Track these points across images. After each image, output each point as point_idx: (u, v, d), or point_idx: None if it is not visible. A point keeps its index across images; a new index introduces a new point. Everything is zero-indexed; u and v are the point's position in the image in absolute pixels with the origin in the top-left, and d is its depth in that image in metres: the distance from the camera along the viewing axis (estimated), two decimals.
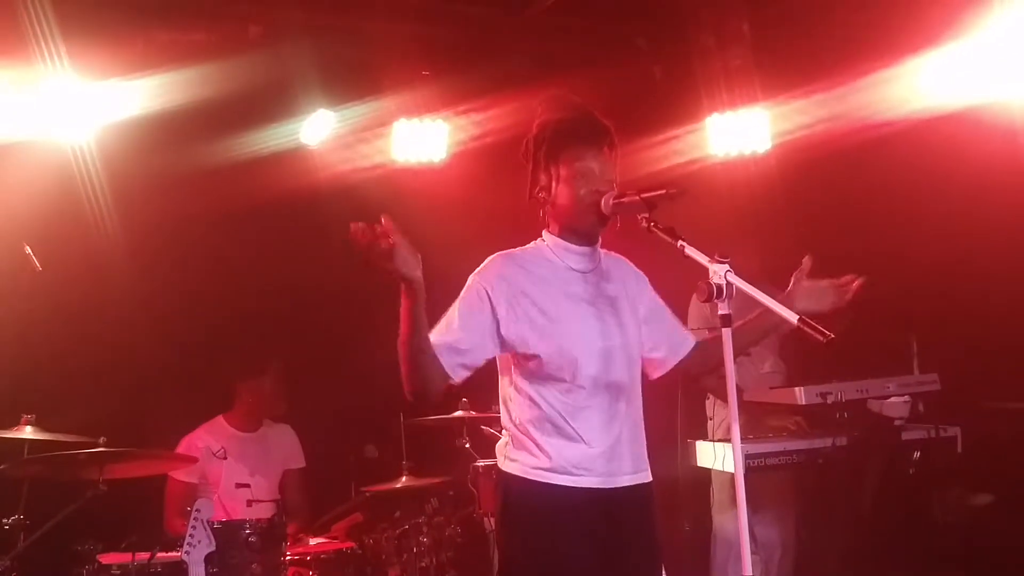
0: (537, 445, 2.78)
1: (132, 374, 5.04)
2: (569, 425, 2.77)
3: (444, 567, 4.55)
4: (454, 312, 2.79)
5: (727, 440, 4.58)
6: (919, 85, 4.67)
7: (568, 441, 2.77)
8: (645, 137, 5.08)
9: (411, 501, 4.69)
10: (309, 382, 5.45)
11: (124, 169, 4.87)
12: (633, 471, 2.85)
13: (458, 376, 2.78)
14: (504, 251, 2.92)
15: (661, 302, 3.07)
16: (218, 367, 5.16)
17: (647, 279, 3.08)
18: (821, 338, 2.37)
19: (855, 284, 2.91)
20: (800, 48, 5.04)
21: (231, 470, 4.88)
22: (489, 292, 2.80)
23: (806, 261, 2.95)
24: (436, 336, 2.74)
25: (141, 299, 5.01)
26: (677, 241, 2.60)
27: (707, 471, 4.81)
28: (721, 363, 2.46)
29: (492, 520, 4.54)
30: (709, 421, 4.95)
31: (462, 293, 2.83)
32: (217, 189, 4.97)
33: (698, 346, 3.05)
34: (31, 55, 4.42)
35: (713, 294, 2.49)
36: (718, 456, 4.49)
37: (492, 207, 5.04)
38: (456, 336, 2.76)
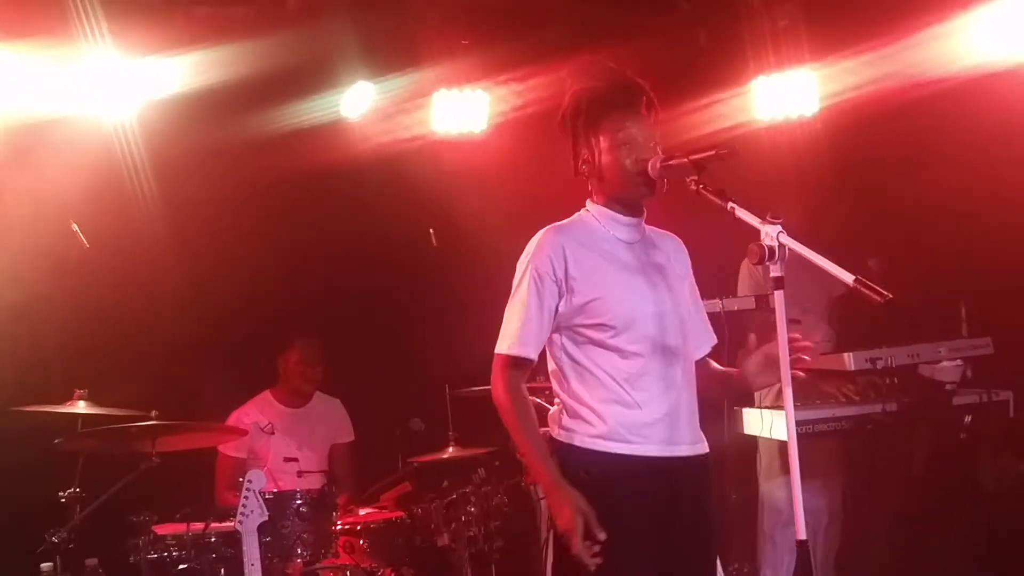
0: (594, 413, 2.75)
1: (179, 349, 5.08)
2: (626, 391, 2.74)
3: (492, 536, 4.56)
4: (532, 310, 2.76)
5: (775, 407, 4.55)
6: (972, 41, 4.56)
7: (625, 408, 2.74)
8: (688, 102, 5.01)
9: (458, 471, 4.70)
10: (354, 355, 5.47)
11: (166, 145, 4.89)
12: (691, 441, 2.81)
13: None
14: (549, 226, 2.87)
15: (696, 293, 3.01)
16: (261, 342, 5.20)
17: (689, 264, 3.01)
18: (879, 298, 2.31)
19: (806, 354, 2.68)
20: (850, 5, 4.92)
21: (279, 445, 4.92)
22: (551, 274, 2.77)
23: (752, 339, 2.86)
24: (532, 345, 2.77)
25: (186, 274, 5.06)
26: (727, 203, 2.55)
27: (753, 439, 4.79)
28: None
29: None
30: None
31: (525, 284, 2.78)
32: (258, 164, 4.98)
33: (711, 354, 2.99)
34: (73, 32, 4.43)
35: (765, 256, 2.43)
36: (765, 423, 4.46)
37: (534, 177, 5.01)
38: (546, 333, 2.79)
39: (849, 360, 4.31)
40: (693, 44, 5.48)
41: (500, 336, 2.81)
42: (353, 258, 5.60)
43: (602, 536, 2.60)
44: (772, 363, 2.75)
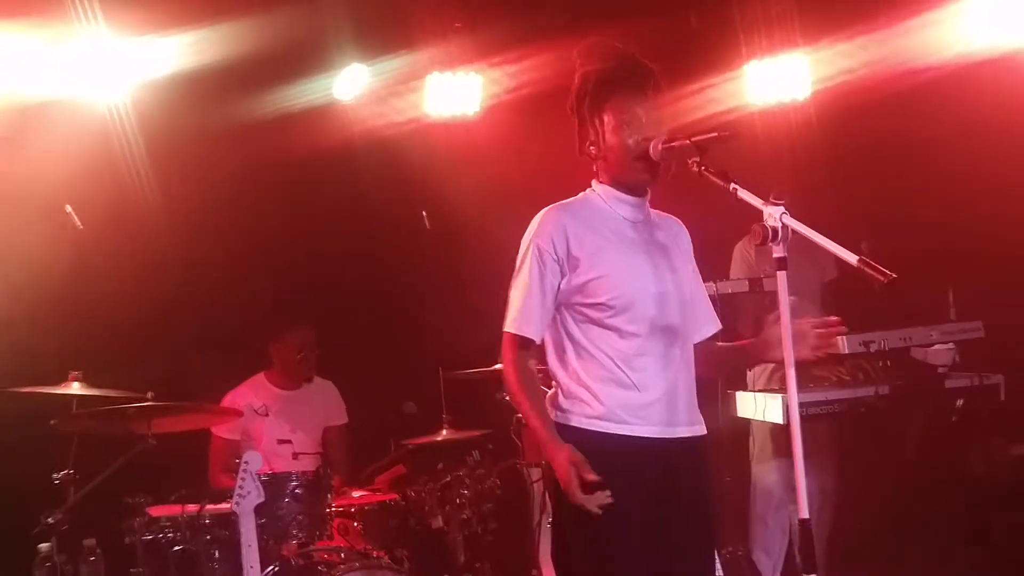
0: (591, 393, 2.76)
1: (174, 331, 5.08)
2: (624, 373, 2.75)
3: (485, 518, 4.57)
4: (534, 289, 2.78)
5: (767, 390, 4.58)
6: (963, 28, 4.60)
7: (623, 389, 2.75)
8: (681, 86, 5.01)
9: (452, 454, 4.71)
10: (347, 338, 5.47)
11: (159, 127, 4.87)
12: (689, 423, 2.82)
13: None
14: (554, 204, 2.88)
15: (699, 276, 3.01)
16: (255, 324, 5.19)
17: (691, 246, 3.01)
18: (882, 278, 2.32)
19: (838, 328, 2.72)
20: None
21: (272, 427, 4.90)
22: (552, 253, 2.79)
23: (774, 316, 2.79)
24: (534, 324, 2.78)
25: (180, 256, 5.05)
26: (729, 184, 2.56)
27: (746, 422, 4.82)
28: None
29: (534, 471, 4.58)
30: (749, 372, 4.94)
31: (527, 263, 2.80)
32: (252, 146, 4.97)
33: (715, 338, 2.98)
34: (66, 13, 4.41)
35: (768, 236, 2.45)
36: (759, 406, 4.48)
37: (527, 160, 5.03)
38: (548, 312, 2.80)
39: (843, 343, 4.32)
40: (685, 28, 5.48)
41: (507, 314, 2.83)
42: (346, 240, 5.59)
43: (594, 478, 2.62)
44: (796, 339, 2.67)
